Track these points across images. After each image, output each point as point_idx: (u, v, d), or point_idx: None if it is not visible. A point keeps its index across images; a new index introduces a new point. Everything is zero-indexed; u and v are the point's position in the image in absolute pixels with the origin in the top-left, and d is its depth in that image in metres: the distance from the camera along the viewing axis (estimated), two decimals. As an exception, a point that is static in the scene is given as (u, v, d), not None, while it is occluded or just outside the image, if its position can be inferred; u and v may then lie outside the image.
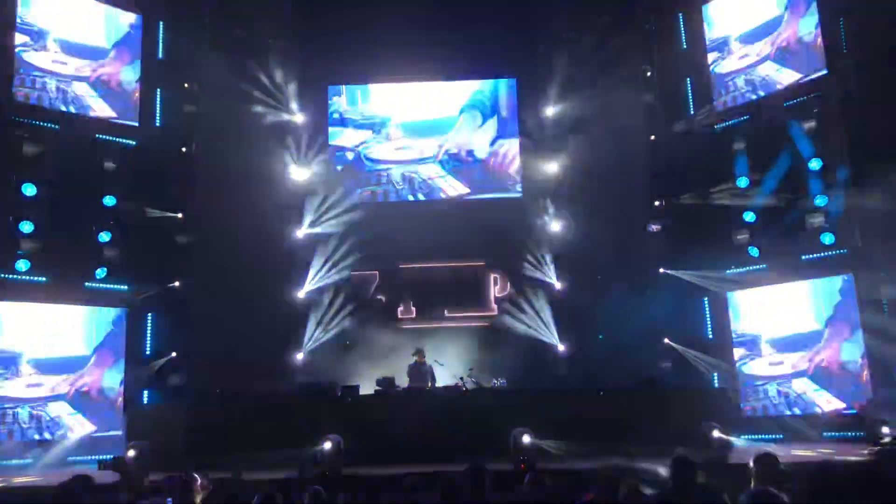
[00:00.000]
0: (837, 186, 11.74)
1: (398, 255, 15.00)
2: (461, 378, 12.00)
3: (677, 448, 4.69)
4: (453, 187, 15.65)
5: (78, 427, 12.10)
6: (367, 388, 11.72)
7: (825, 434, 11.48)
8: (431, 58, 15.48)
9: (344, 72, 15.91)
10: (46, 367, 12.00)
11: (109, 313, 12.76)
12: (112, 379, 12.59)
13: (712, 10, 13.90)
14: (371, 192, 15.69)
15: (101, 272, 12.50)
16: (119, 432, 11.99)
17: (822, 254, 11.89)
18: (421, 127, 15.89)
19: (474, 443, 9.17)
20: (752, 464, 4.58)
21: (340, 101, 16.12)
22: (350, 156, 15.88)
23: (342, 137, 15.95)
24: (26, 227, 11.65)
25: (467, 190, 15.63)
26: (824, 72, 12.10)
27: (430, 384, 11.97)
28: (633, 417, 10.09)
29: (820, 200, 11.85)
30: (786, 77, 12.71)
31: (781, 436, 11.94)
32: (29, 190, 11.76)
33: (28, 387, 11.78)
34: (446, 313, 15.00)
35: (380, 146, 15.87)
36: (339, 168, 15.78)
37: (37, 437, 11.71)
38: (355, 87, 16.12)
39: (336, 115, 16.06)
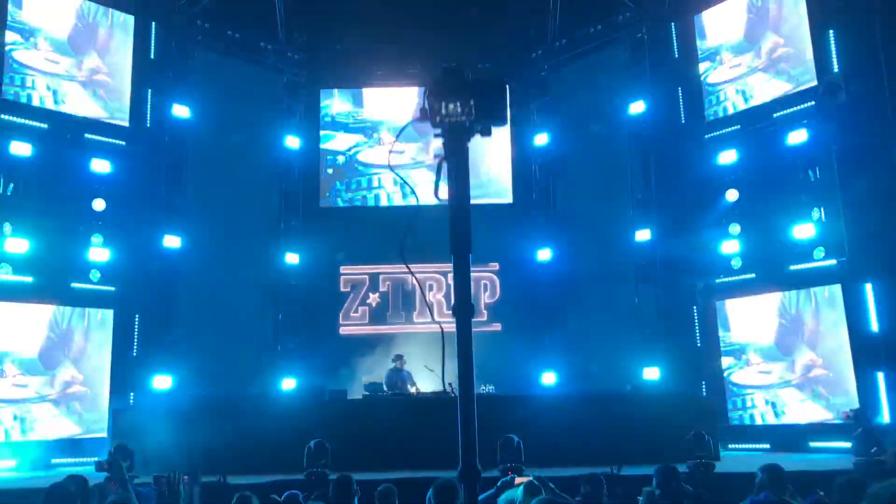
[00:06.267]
0: (826, 197, 11.79)
1: (388, 259, 14.96)
2: (450, 384, 11.91)
3: (667, 463, 4.73)
4: (444, 192, 15.59)
5: (62, 429, 11.98)
6: (355, 393, 11.67)
7: (811, 444, 11.50)
8: (424, 63, 15.48)
9: (336, 76, 15.91)
10: (31, 367, 11.87)
11: (88, 312, 12.61)
12: (97, 380, 12.47)
13: (705, 20, 13.94)
14: (362, 196, 15.68)
15: (93, 274, 12.39)
16: (104, 434, 11.90)
17: (810, 264, 11.91)
18: (412, 132, 15.86)
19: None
20: (759, 473, 4.69)
21: (333, 105, 16.10)
22: (341, 160, 15.87)
23: (334, 141, 15.94)
24: (7, 228, 11.53)
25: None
26: (814, 83, 12.16)
27: (413, 389, 11.89)
28: (622, 424, 10.07)
29: (809, 211, 11.88)
30: (776, 88, 12.76)
31: (768, 445, 11.97)
32: (11, 189, 11.65)
33: (13, 388, 11.67)
34: (435, 318, 14.96)
35: (371, 150, 15.86)
36: (329, 171, 15.78)
37: (21, 438, 11.58)
38: (348, 91, 16.11)
39: (328, 119, 16.04)
